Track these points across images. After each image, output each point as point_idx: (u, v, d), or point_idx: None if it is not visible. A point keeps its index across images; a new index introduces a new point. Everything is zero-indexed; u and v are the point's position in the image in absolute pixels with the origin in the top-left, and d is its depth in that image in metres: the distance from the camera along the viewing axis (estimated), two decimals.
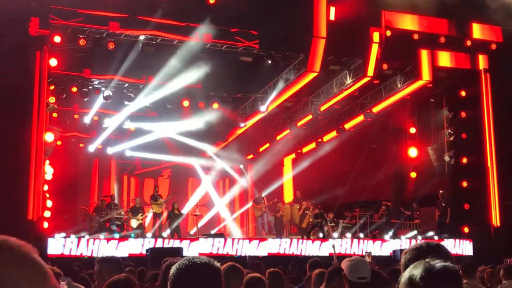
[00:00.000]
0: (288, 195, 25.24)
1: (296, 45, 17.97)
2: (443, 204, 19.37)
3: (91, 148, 22.74)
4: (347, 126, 22.66)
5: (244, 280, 4.13)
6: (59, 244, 14.86)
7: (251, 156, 25.71)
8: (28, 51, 15.22)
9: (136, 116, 21.69)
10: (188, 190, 24.99)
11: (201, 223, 21.78)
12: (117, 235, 17.09)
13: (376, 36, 17.93)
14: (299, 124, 22.80)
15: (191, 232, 21.95)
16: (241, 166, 25.51)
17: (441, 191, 19.64)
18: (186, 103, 20.46)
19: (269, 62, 18.27)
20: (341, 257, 9.82)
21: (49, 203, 16.36)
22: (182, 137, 22.79)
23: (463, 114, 20.12)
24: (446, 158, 20.54)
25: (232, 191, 25.35)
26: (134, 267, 8.83)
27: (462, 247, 18.12)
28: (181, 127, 22.26)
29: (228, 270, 3.89)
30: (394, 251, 16.83)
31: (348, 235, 19.33)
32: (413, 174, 22.63)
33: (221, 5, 15.91)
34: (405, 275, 1.97)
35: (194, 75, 18.49)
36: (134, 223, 18.96)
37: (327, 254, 16.16)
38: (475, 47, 19.27)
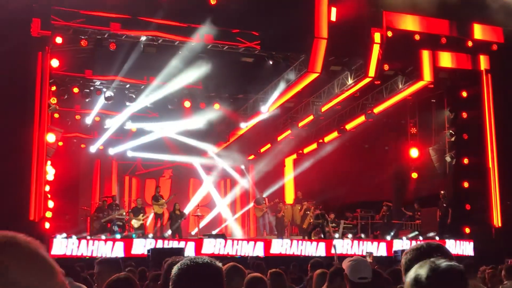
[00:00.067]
0: (289, 196, 25.24)
1: (297, 45, 17.96)
2: (444, 205, 19.35)
3: (93, 148, 22.75)
4: (348, 126, 22.64)
5: (245, 280, 4.14)
6: (61, 245, 14.88)
7: (252, 156, 25.72)
8: (30, 52, 15.23)
9: (137, 116, 21.71)
10: (190, 191, 24.99)
11: (202, 223, 21.79)
12: (118, 236, 17.11)
13: (377, 37, 17.93)
14: (300, 124, 22.80)
15: (193, 233, 21.97)
16: (243, 167, 25.51)
17: (442, 192, 19.62)
18: (187, 104, 20.47)
19: (270, 62, 18.27)
20: (342, 257, 9.82)
21: (50, 204, 16.36)
22: (183, 137, 22.80)
23: (464, 115, 20.11)
24: (447, 158, 20.53)
25: (233, 192, 25.36)
26: (135, 267, 8.85)
27: (463, 248, 18.12)
28: (182, 127, 22.28)
29: (230, 270, 3.90)
30: (395, 252, 16.82)
31: (349, 235, 19.32)
32: (414, 175, 22.62)
33: (222, 5, 15.92)
34: (410, 275, 1.98)
35: (195, 75, 18.51)
36: (135, 223, 18.98)
37: (328, 255, 16.17)
38: (476, 47, 19.27)
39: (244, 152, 24.69)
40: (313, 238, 18.31)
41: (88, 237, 16.15)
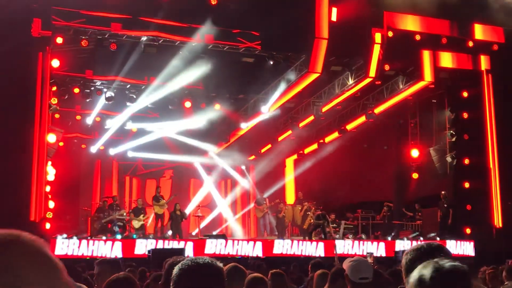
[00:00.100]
0: (290, 196, 25.23)
1: (298, 46, 17.96)
2: (445, 205, 19.34)
3: (93, 149, 22.76)
4: (349, 127, 22.64)
5: (246, 280, 4.13)
6: (62, 245, 14.89)
7: (253, 157, 25.71)
8: (30, 52, 15.23)
9: (138, 117, 21.71)
10: (190, 191, 24.99)
11: (203, 224, 21.79)
12: (119, 236, 17.11)
13: (378, 37, 17.92)
14: (301, 125, 22.79)
15: (193, 233, 21.97)
16: (243, 167, 25.52)
17: (443, 192, 19.61)
18: (187, 104, 20.49)
19: (271, 63, 18.26)
20: (342, 258, 9.82)
21: (51, 204, 16.38)
22: (183, 137, 22.81)
23: (465, 115, 20.10)
24: (448, 159, 20.52)
25: (234, 192, 25.37)
26: (135, 267, 8.84)
27: (463, 248, 18.11)
28: (183, 127, 22.29)
29: (231, 270, 3.89)
30: (396, 252, 16.82)
31: (350, 236, 19.32)
32: (415, 175, 22.61)
33: (222, 6, 15.92)
34: (414, 275, 1.97)
35: (196, 75, 18.50)
36: (136, 224, 18.97)
37: (329, 255, 16.16)
38: (477, 47, 19.26)
39: (245, 153, 24.68)
40: (313, 239, 18.31)
41: (89, 238, 16.14)
